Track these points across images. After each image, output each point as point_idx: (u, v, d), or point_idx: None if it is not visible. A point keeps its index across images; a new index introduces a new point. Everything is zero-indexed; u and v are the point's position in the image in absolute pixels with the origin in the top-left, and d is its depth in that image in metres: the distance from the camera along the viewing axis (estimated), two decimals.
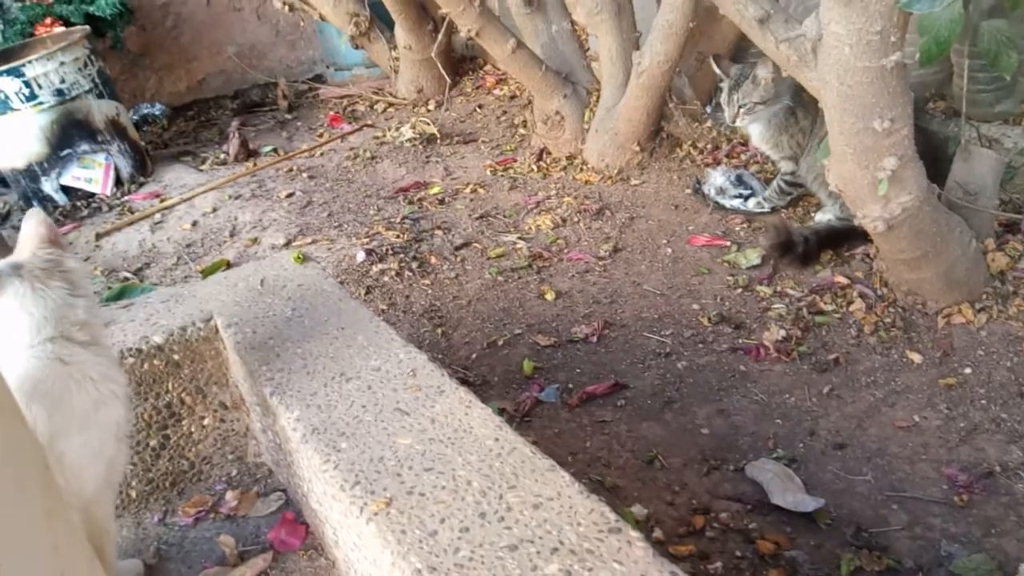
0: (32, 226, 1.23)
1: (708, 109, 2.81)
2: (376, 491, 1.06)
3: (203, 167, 3.61)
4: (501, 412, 1.79)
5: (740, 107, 2.26)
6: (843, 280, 2.06)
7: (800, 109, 2.27)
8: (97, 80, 3.41)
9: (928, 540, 1.39)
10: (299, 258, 1.77)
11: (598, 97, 2.96)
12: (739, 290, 2.14)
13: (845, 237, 2.18)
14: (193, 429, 1.61)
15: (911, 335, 1.86)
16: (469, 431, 1.16)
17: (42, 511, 0.47)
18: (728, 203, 2.49)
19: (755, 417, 1.72)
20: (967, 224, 1.81)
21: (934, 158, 1.91)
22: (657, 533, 1.44)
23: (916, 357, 1.79)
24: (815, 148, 2.27)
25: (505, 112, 3.66)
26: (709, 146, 2.83)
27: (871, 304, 1.95)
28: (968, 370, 1.74)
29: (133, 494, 1.56)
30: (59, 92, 3.26)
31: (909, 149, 1.51)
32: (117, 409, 1.19)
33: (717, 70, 2.37)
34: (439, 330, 2.15)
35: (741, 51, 2.80)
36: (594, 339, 2.04)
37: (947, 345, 1.80)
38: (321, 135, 3.83)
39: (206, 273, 2.58)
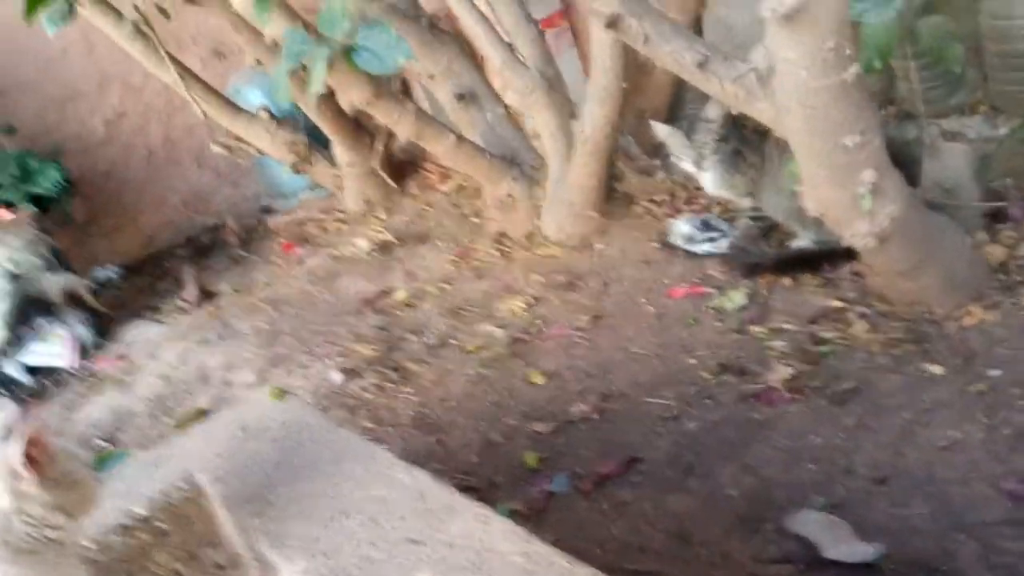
0: None
1: (659, 163, 2.80)
2: None
3: (164, 319, 3.50)
4: (514, 513, 1.67)
5: (703, 148, 2.26)
6: (837, 303, 1.99)
7: (745, 147, 2.29)
8: (48, 256, 3.39)
9: (1007, 567, 1.28)
10: (277, 394, 1.67)
11: (546, 173, 2.94)
12: (733, 335, 2.06)
13: (821, 258, 2.14)
14: None
15: (925, 347, 1.77)
16: (493, 550, 1.04)
17: None
18: (700, 249, 2.44)
19: (784, 466, 1.62)
20: (953, 222, 1.77)
21: (898, 164, 1.88)
22: None
23: (936, 369, 1.71)
24: (769, 184, 2.26)
25: (455, 205, 3.62)
26: (666, 198, 2.79)
27: (874, 323, 1.88)
28: (995, 372, 1.65)
29: None
30: (12, 276, 3.22)
31: (884, 159, 1.48)
32: None
33: (660, 129, 2.42)
34: (433, 438, 2.04)
35: (677, 100, 2.81)
36: (595, 416, 1.93)
37: (966, 350, 1.72)
38: (278, 264, 3.76)
39: (180, 425, 2.47)
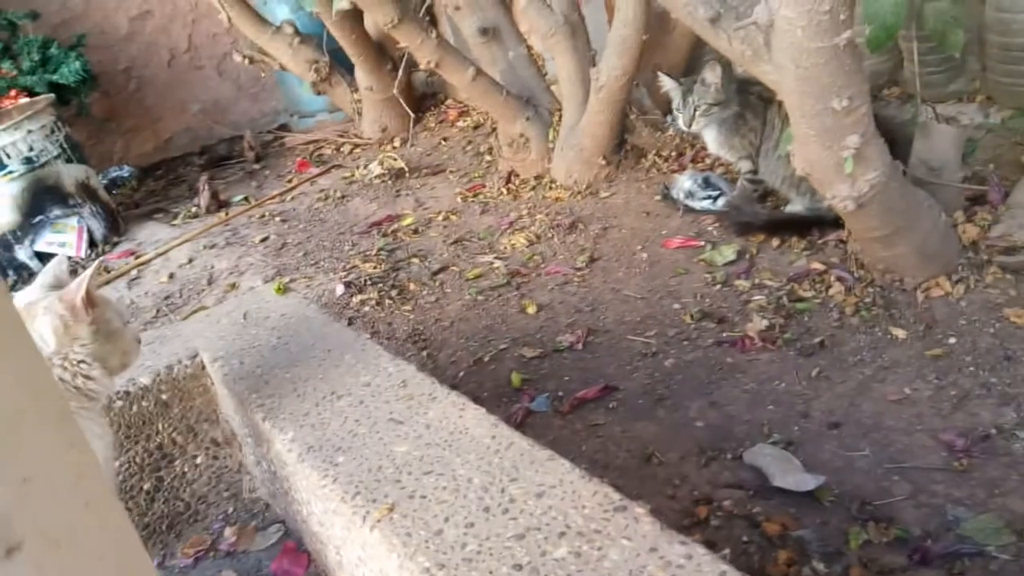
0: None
1: (668, 119, 2.86)
2: (377, 499, 1.05)
3: (175, 222, 3.63)
4: None
5: (695, 109, 2.31)
6: (819, 266, 2.08)
7: (748, 111, 2.36)
8: (65, 145, 3.43)
9: (933, 507, 1.39)
10: (280, 289, 1.78)
11: (560, 117, 3.00)
12: (718, 286, 2.15)
13: (810, 224, 2.23)
14: (186, 469, 1.59)
15: (892, 312, 1.88)
16: (465, 432, 1.15)
17: (65, 442, 0.48)
18: (698, 205, 2.53)
19: (747, 406, 1.73)
20: (934, 199, 1.85)
21: (892, 141, 1.95)
22: None
23: (900, 332, 1.81)
24: (770, 150, 2.33)
25: (470, 142, 3.71)
26: (673, 153, 2.87)
27: (850, 286, 1.97)
28: (952, 340, 1.75)
29: None
30: (28, 160, 3.27)
31: (870, 127, 1.54)
32: None
33: (666, 81, 2.46)
34: (424, 352, 2.15)
35: (694, 61, 2.86)
36: (579, 346, 2.04)
37: (929, 318, 1.82)
38: (290, 180, 3.85)
39: (185, 321, 2.57)
